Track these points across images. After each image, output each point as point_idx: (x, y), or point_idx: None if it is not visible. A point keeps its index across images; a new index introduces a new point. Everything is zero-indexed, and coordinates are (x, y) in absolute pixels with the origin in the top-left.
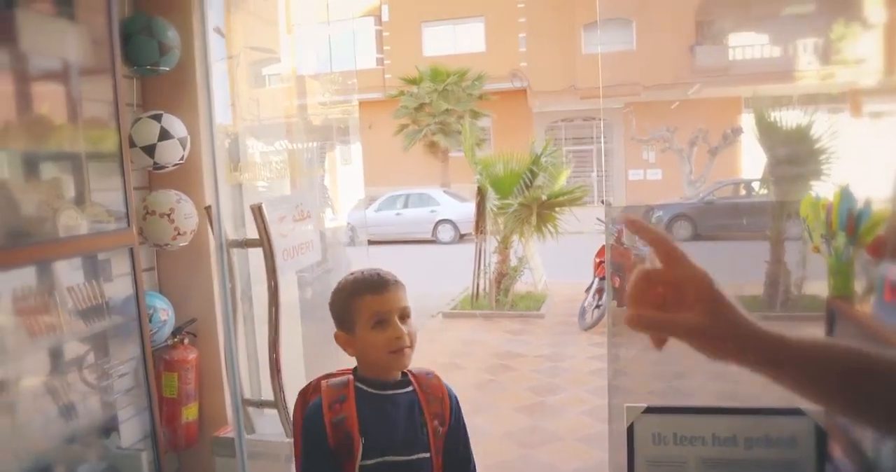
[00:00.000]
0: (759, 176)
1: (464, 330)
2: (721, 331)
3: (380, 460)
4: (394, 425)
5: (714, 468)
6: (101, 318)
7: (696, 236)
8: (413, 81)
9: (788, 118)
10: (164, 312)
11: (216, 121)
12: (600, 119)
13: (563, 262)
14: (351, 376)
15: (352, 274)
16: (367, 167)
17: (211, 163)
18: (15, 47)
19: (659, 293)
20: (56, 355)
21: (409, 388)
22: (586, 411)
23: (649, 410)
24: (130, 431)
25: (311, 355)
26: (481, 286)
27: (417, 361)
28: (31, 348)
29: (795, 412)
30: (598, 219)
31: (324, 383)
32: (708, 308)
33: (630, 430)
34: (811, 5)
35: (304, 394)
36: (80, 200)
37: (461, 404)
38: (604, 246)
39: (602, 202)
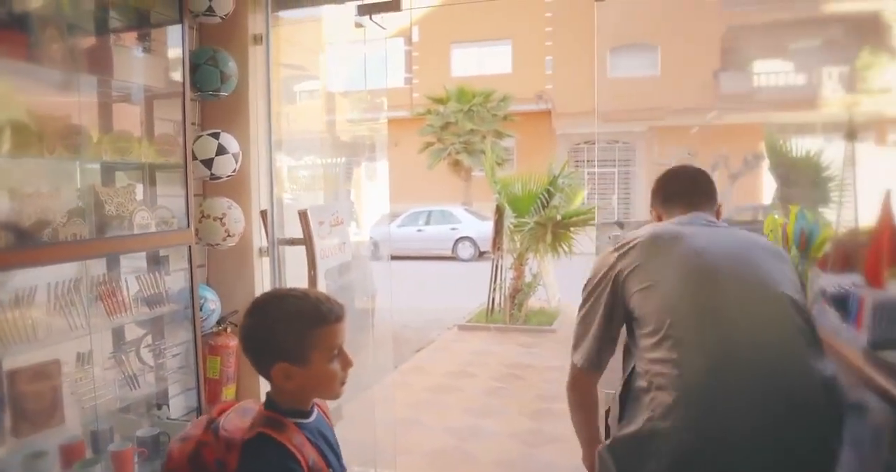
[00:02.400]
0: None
1: (477, 342)
2: None
3: None
4: (335, 450)
5: None
6: (161, 305)
7: None
8: (440, 101)
9: (800, 146)
10: (212, 302)
11: (272, 140)
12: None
13: (579, 280)
14: (271, 413)
15: (292, 298)
16: (391, 184)
17: (256, 176)
18: (110, 75)
19: None
20: (123, 333)
21: (316, 410)
22: None
23: None
24: (178, 405)
25: None
26: (496, 301)
27: (435, 368)
28: (106, 325)
29: None
30: (609, 237)
31: (264, 430)
32: None
33: (607, 414)
34: (838, 32)
35: (243, 448)
36: (149, 204)
37: (471, 408)
38: None
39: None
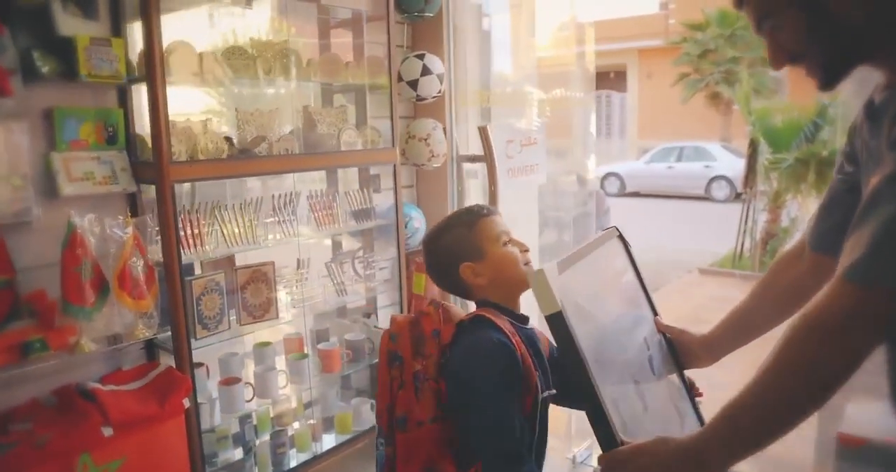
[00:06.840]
0: None
1: (717, 288)
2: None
3: (545, 395)
4: (542, 359)
5: None
6: (367, 220)
7: None
8: (698, 27)
9: None
10: (417, 220)
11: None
12: None
13: None
14: (487, 306)
15: (446, 218)
16: (642, 118)
17: (465, 96)
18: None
19: None
20: (336, 245)
21: (533, 328)
22: None
23: None
24: (384, 316)
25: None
26: (746, 246)
27: (667, 310)
28: (319, 234)
29: None
30: None
31: (481, 313)
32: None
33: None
34: None
35: (458, 325)
36: (360, 124)
37: None
38: None
39: None
